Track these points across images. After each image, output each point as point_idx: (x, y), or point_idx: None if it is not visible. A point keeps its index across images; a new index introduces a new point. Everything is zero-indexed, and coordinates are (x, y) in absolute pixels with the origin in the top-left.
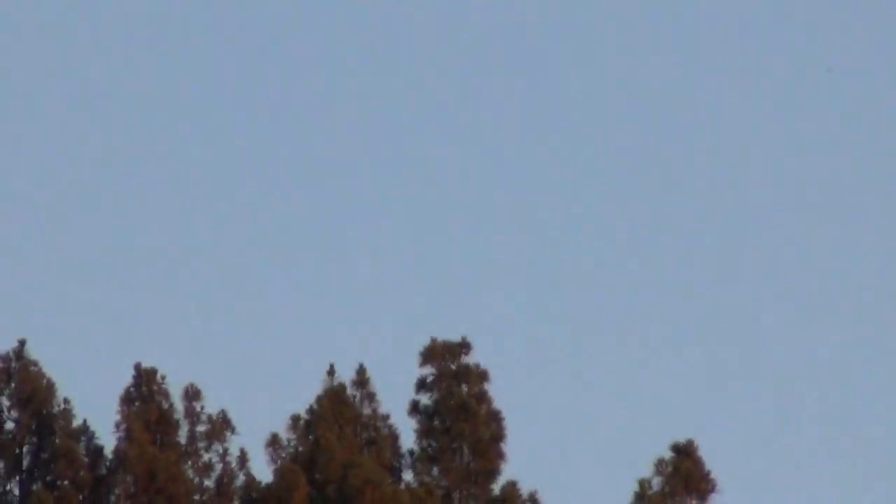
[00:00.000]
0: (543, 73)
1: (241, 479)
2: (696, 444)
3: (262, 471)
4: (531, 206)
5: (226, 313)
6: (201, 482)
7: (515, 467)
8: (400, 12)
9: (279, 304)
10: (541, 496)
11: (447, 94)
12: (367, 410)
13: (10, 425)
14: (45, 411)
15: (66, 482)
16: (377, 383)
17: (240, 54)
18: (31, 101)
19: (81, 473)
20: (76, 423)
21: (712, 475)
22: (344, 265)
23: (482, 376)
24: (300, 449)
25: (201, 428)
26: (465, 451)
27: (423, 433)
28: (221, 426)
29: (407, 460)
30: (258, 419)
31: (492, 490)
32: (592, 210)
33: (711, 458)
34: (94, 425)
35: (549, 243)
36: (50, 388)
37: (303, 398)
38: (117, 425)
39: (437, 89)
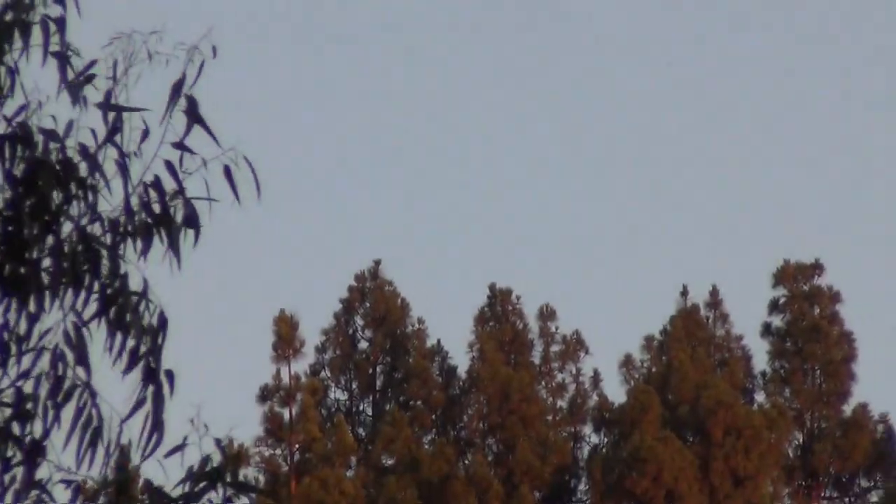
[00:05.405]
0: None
1: (593, 399)
2: None
3: (615, 391)
4: None
5: (579, 235)
6: (554, 403)
7: (866, 389)
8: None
9: (633, 226)
10: (892, 418)
11: None
12: (719, 332)
13: (364, 345)
14: (398, 331)
15: (419, 402)
16: (729, 304)
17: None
18: None
19: (434, 393)
20: (430, 343)
21: None
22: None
23: (834, 298)
24: (653, 370)
25: (555, 348)
26: (817, 372)
27: (775, 355)
28: (575, 347)
29: (759, 382)
30: (611, 340)
31: (843, 411)
32: None
33: None
34: (447, 345)
35: None
36: (404, 307)
37: (655, 319)
38: (471, 346)
39: None
